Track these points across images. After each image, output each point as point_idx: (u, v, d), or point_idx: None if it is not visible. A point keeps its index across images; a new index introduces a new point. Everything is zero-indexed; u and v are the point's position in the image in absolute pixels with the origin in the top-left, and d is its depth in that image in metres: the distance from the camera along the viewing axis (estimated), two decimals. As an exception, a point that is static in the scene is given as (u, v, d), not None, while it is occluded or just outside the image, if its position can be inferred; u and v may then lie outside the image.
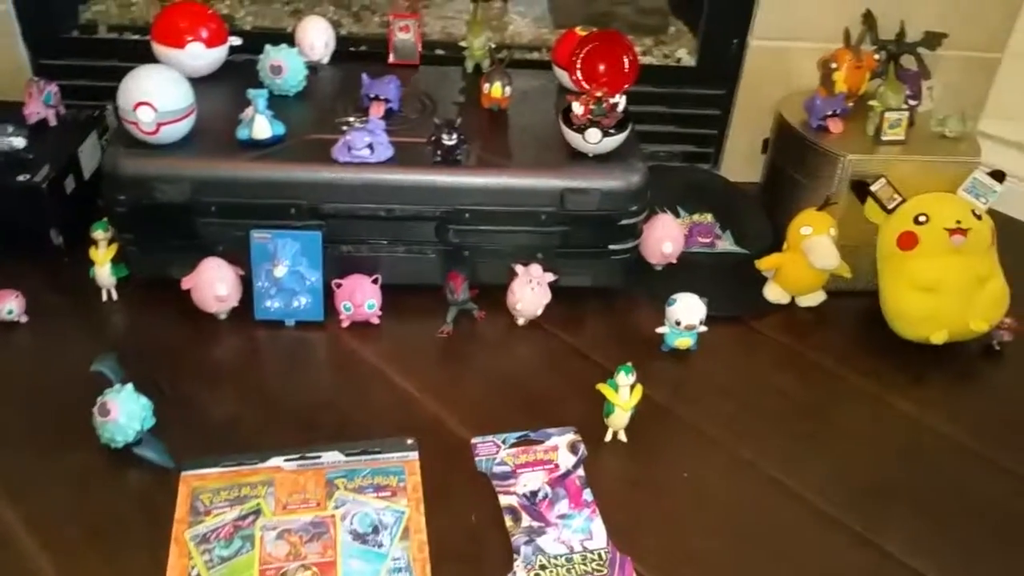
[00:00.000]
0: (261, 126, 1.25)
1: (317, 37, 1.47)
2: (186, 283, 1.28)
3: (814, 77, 1.51)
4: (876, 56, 1.48)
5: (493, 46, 1.48)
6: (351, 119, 1.30)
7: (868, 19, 1.50)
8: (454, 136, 1.25)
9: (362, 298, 1.29)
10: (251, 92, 1.25)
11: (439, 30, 1.71)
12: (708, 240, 1.47)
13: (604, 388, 1.15)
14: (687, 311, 1.27)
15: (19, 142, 1.38)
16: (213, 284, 1.27)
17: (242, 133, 1.27)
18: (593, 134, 1.26)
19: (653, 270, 1.43)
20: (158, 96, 1.21)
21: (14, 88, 1.59)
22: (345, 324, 1.31)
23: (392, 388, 1.22)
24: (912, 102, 1.45)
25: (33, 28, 1.58)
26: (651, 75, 1.60)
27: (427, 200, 1.28)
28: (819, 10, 1.55)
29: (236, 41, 1.44)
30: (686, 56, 1.67)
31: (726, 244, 1.49)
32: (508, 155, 1.30)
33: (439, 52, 1.60)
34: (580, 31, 1.42)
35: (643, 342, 1.33)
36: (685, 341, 1.29)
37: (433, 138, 1.26)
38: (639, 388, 1.14)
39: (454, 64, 1.55)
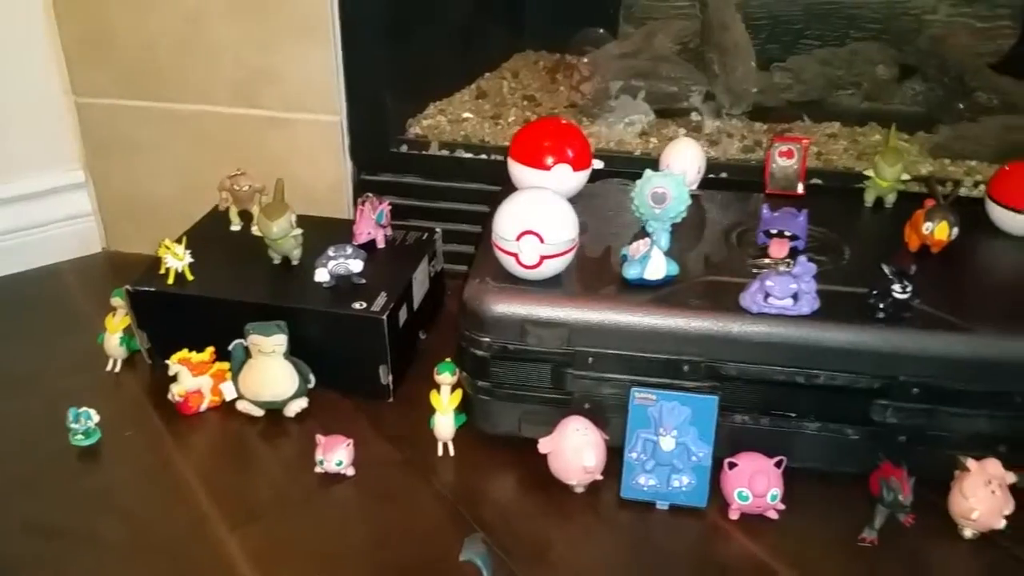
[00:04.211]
0: (657, 265, 1.04)
1: (690, 163, 1.26)
2: (545, 446, 1.06)
3: None
4: None
5: (907, 178, 1.22)
6: (766, 260, 1.06)
7: None
8: (908, 288, 0.98)
9: (765, 486, 1.01)
10: (652, 225, 1.05)
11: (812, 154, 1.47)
12: None
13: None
14: None
15: (356, 265, 1.24)
16: (580, 451, 1.04)
17: (631, 272, 1.05)
18: (1104, 297, 0.96)
19: None
20: (547, 225, 1.02)
21: (330, 204, 1.50)
22: (735, 516, 1.04)
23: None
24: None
25: (361, 141, 1.48)
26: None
27: (861, 367, 1.00)
28: None
29: (599, 164, 1.26)
30: None
31: None
32: (971, 314, 1.01)
33: (815, 181, 1.36)
34: (1033, 163, 1.14)
35: None
36: None
37: (879, 290, 1.00)
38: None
39: (830, 195, 1.32)
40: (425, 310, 1.34)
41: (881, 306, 0.99)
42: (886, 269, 0.99)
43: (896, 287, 0.98)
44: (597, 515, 1.06)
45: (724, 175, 1.39)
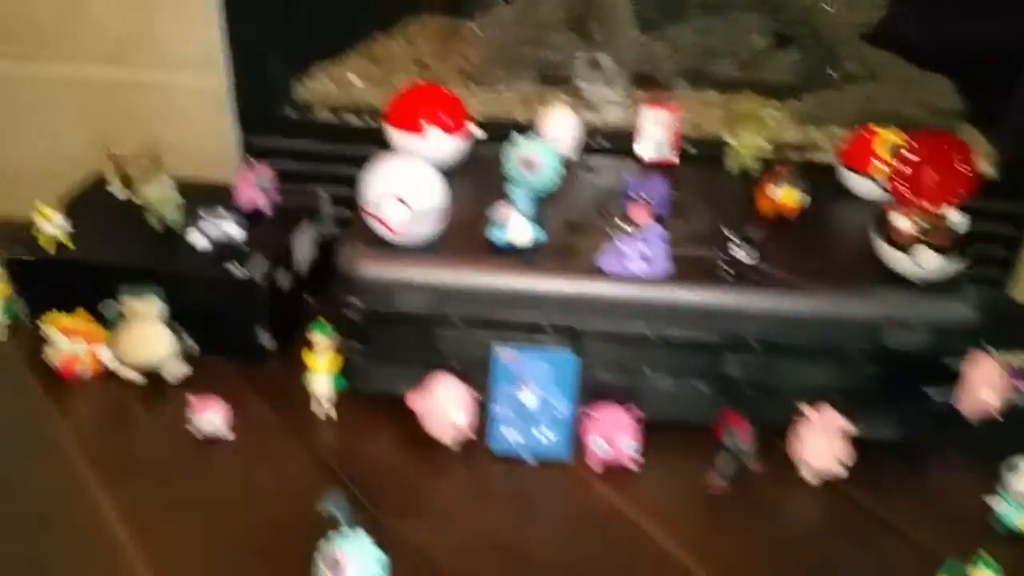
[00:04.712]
0: (519, 229, 1.08)
1: (564, 130, 1.31)
2: (415, 403, 1.10)
3: None
4: None
5: (769, 146, 1.28)
6: (623, 225, 1.11)
7: None
8: (754, 252, 1.04)
9: (623, 438, 1.08)
10: (512, 190, 1.08)
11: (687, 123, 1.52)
12: (1027, 388, 1.20)
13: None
14: (1041, 484, 1.00)
15: (234, 230, 1.25)
16: (449, 408, 1.09)
17: (497, 236, 1.10)
18: (927, 256, 1.02)
19: (968, 425, 1.16)
20: (414, 191, 1.05)
21: (221, 169, 1.49)
22: (596, 467, 1.10)
23: (662, 558, 1.00)
24: None
25: (247, 105, 1.48)
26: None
27: (708, 325, 1.07)
28: None
29: (478, 132, 1.29)
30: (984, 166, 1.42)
31: (1051, 393, 1.21)
32: (810, 275, 1.08)
33: (688, 149, 1.41)
34: (877, 128, 1.21)
35: (964, 517, 1.06)
36: (1030, 521, 1.02)
37: (726, 253, 1.06)
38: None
39: (701, 162, 1.37)
40: (314, 275, 1.36)
41: (727, 268, 1.05)
42: (729, 233, 1.05)
43: (740, 250, 1.04)
44: (469, 470, 1.11)
45: (603, 142, 1.43)
